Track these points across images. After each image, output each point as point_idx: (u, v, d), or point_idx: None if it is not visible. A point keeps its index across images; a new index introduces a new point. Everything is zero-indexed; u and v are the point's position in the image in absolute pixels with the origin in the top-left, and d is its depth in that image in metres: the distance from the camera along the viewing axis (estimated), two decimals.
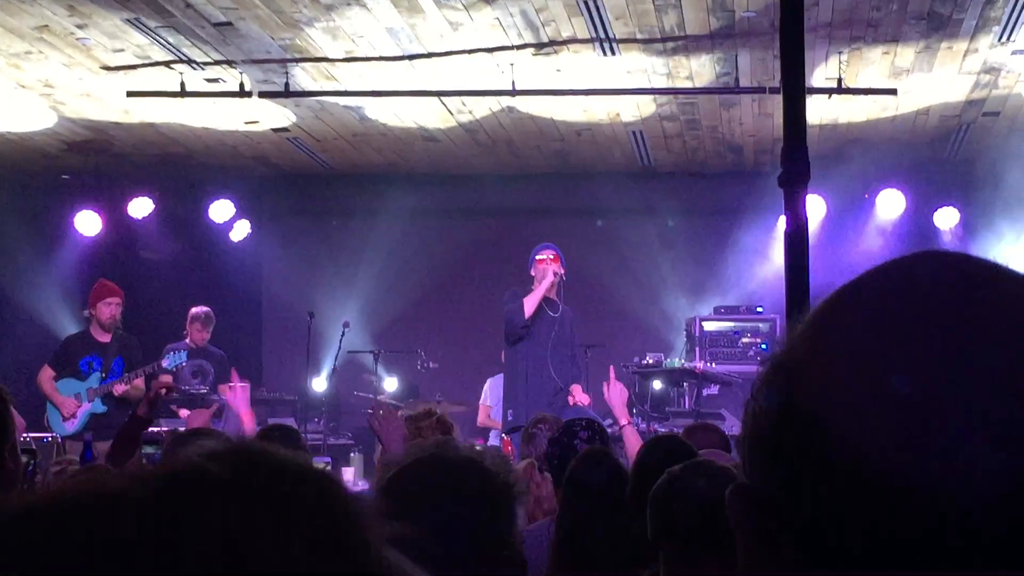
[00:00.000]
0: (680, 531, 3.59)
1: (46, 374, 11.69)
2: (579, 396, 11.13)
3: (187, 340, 12.64)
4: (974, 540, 0.87)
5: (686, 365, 13.05)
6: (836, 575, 0.91)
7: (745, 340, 14.02)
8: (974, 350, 0.90)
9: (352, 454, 12.97)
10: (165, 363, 12.05)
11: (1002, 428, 0.87)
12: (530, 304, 11.06)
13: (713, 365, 13.43)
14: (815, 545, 0.92)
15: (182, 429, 11.09)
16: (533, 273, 11.28)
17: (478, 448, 2.95)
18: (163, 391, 6.78)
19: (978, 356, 0.89)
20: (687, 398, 13.14)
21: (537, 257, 11.27)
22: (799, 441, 0.93)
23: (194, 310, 12.82)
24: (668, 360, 13.19)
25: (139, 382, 11.61)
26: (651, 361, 13.09)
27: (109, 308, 11.76)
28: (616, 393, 8.17)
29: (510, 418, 11.07)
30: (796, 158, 3.44)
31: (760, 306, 14.11)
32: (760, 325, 14.06)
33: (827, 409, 0.92)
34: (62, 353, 11.89)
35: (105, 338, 11.74)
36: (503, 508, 2.73)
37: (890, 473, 0.88)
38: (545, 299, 11.18)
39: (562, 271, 11.18)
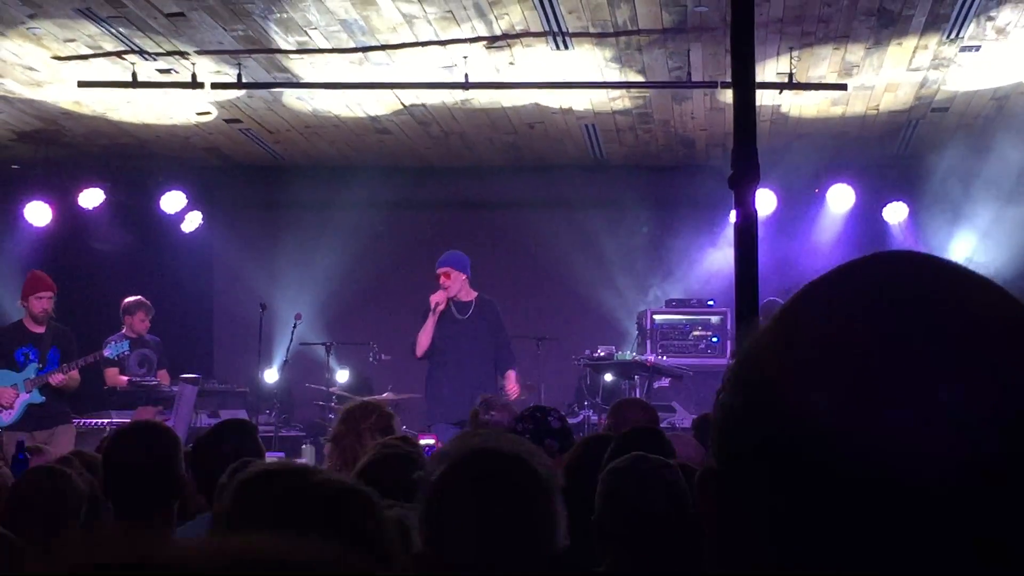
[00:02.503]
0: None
1: None
2: (510, 386, 11.45)
3: (125, 330, 12.56)
4: (930, 524, 0.92)
5: (637, 358, 13.10)
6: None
7: (696, 333, 14.08)
8: (923, 350, 0.94)
9: (303, 446, 12.96)
10: (107, 352, 12.04)
11: (951, 416, 0.92)
12: (422, 342, 11.59)
13: (664, 358, 13.49)
14: (782, 530, 0.96)
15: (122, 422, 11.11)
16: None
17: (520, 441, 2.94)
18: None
19: (926, 355, 0.94)
20: (638, 391, 13.19)
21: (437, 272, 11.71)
22: (765, 432, 0.97)
23: (132, 299, 12.70)
24: (619, 353, 13.24)
25: (75, 373, 11.60)
26: (603, 354, 13.14)
27: (41, 303, 11.66)
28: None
29: (437, 416, 11.42)
30: (746, 159, 3.49)
31: (711, 300, 14.18)
32: (711, 318, 14.13)
33: (788, 404, 0.96)
34: None
35: (39, 329, 11.66)
36: (549, 503, 2.73)
37: (844, 462, 0.93)
38: (453, 303, 11.61)
39: (442, 296, 11.57)
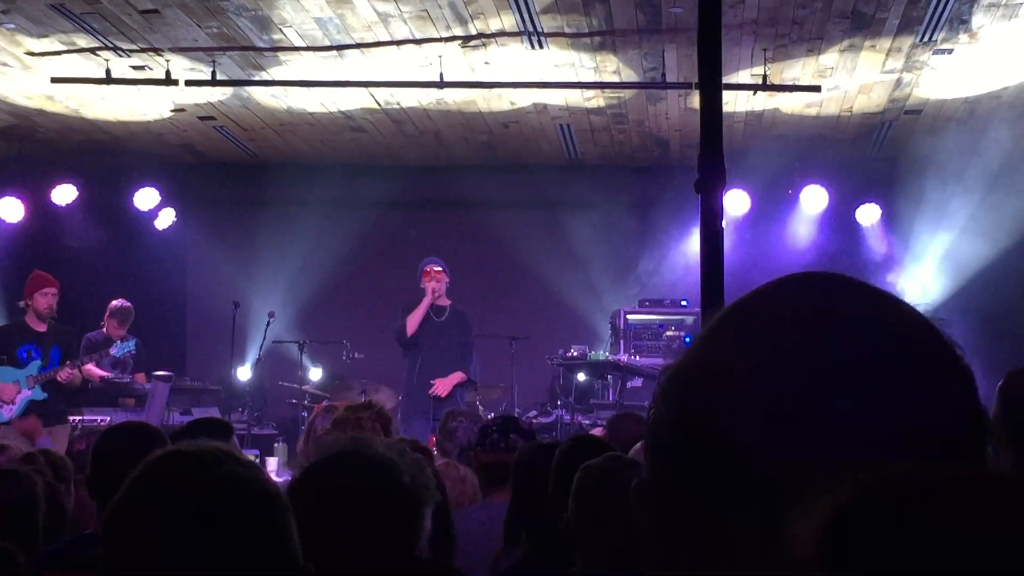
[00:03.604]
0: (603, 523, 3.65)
1: None
2: (437, 385, 11.84)
3: (103, 331, 12.62)
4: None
5: (610, 358, 13.13)
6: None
7: (669, 333, 14.09)
8: (833, 370, 1.02)
9: (276, 444, 12.93)
10: (114, 351, 12.23)
11: (847, 426, 1.00)
12: (412, 323, 12.07)
13: (637, 358, 13.51)
14: (712, 535, 1.03)
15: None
16: (422, 285, 12.20)
17: (395, 445, 2.96)
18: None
19: (835, 373, 1.02)
20: (611, 391, 13.22)
21: (424, 269, 12.21)
22: (692, 443, 1.04)
23: (114, 304, 12.78)
24: (592, 353, 13.26)
25: (88, 368, 11.93)
26: (576, 353, 13.16)
27: (46, 298, 11.78)
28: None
29: (404, 412, 11.89)
30: (712, 164, 3.50)
31: (684, 300, 14.20)
32: (684, 318, 14.15)
33: (710, 415, 1.04)
34: None
35: (42, 327, 11.78)
36: (411, 509, 2.75)
37: (761, 469, 1.00)
38: (432, 306, 12.10)
39: (439, 286, 12.13)
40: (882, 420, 1.00)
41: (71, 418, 11.73)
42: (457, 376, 11.92)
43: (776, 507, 0.98)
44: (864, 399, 1.00)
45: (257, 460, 10.01)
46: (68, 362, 11.67)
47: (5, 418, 11.46)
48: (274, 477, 9.28)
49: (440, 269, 12.19)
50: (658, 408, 1.09)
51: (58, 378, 11.61)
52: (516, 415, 10.06)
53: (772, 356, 1.03)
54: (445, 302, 12.21)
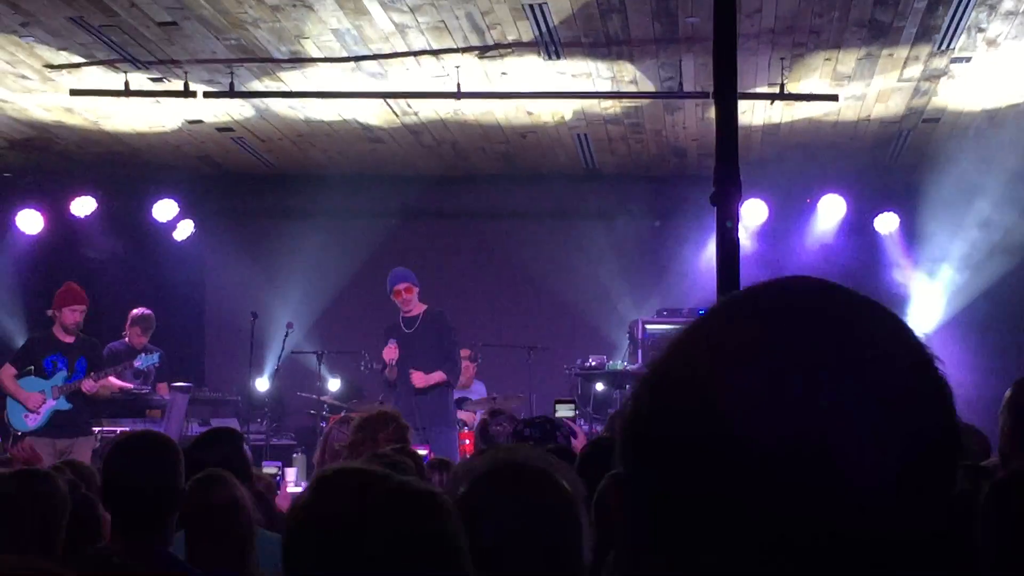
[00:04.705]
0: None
1: (7, 372, 11.74)
2: (415, 376, 11.57)
3: (126, 340, 12.67)
4: (819, 528, 1.00)
5: (628, 368, 13.11)
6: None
7: None
8: (789, 379, 1.03)
9: (294, 454, 12.93)
10: (137, 363, 12.23)
11: (827, 423, 1.01)
12: (387, 355, 11.75)
13: None
14: (684, 530, 1.05)
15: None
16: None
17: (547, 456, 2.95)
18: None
19: (807, 371, 1.03)
20: None
21: (391, 291, 11.92)
22: (663, 439, 1.07)
23: (135, 312, 12.82)
24: (611, 363, 13.25)
25: (105, 381, 11.84)
26: (594, 363, 13.15)
27: (74, 315, 11.83)
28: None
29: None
30: (728, 176, 3.50)
31: (702, 309, 14.12)
32: None
33: (679, 414, 1.06)
34: (25, 352, 11.95)
35: (69, 339, 11.82)
36: (572, 519, 2.73)
37: (735, 466, 1.02)
38: (402, 319, 11.83)
39: (406, 305, 11.78)
40: (859, 420, 1.01)
41: (95, 429, 11.78)
42: (437, 375, 11.61)
43: (732, 502, 1.01)
44: (845, 395, 1.01)
45: (278, 471, 10.03)
46: (92, 373, 11.72)
47: (30, 427, 11.52)
48: (292, 488, 9.28)
49: (407, 285, 11.83)
50: (633, 407, 1.11)
51: (83, 389, 11.66)
52: None
53: (755, 351, 1.05)
54: (417, 309, 11.85)
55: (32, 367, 11.72)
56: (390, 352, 11.65)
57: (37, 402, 11.59)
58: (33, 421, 11.56)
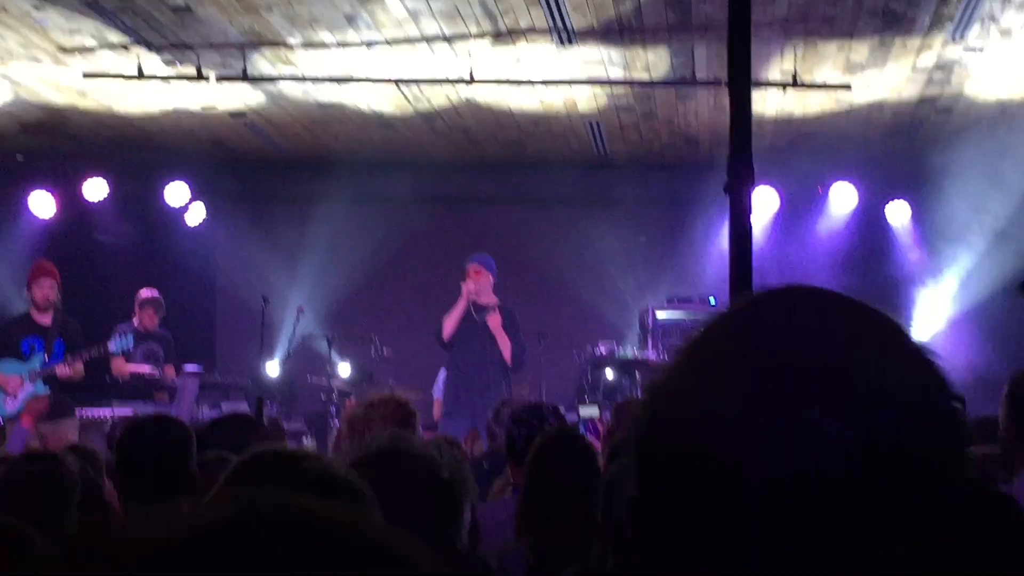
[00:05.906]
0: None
1: None
2: (490, 319, 11.61)
3: (135, 322, 12.63)
4: (810, 528, 1.04)
5: (638, 355, 13.11)
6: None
7: None
8: (795, 376, 1.07)
9: (304, 439, 12.96)
10: (111, 346, 11.99)
11: (816, 432, 1.04)
12: (447, 325, 11.68)
13: (665, 355, 13.48)
14: (676, 535, 1.09)
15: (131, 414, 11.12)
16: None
17: (432, 441, 3.00)
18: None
19: (798, 380, 1.07)
20: (639, 388, 13.20)
21: (465, 268, 11.80)
22: (663, 449, 1.11)
23: (145, 294, 12.80)
24: (621, 350, 13.25)
25: (79, 366, 11.60)
26: (604, 351, 13.14)
27: (42, 290, 11.65)
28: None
29: (445, 410, 11.74)
30: (742, 165, 3.50)
31: (713, 296, 14.16)
32: None
33: (677, 425, 1.10)
34: (1, 335, 11.80)
35: (46, 320, 11.66)
36: (450, 505, 2.76)
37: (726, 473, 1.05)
38: (472, 304, 11.66)
39: (474, 287, 11.64)
40: (846, 427, 1.04)
41: (96, 412, 11.71)
42: (507, 340, 11.64)
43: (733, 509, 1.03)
44: (832, 406, 1.04)
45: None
46: (69, 357, 11.58)
47: (8, 411, 11.42)
48: None
49: (479, 268, 11.77)
50: (639, 417, 1.15)
51: (56, 374, 11.54)
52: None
53: (755, 365, 1.08)
54: (489, 300, 11.76)
55: (10, 350, 11.58)
56: (470, 285, 11.67)
57: (15, 386, 11.49)
58: (12, 405, 11.46)
